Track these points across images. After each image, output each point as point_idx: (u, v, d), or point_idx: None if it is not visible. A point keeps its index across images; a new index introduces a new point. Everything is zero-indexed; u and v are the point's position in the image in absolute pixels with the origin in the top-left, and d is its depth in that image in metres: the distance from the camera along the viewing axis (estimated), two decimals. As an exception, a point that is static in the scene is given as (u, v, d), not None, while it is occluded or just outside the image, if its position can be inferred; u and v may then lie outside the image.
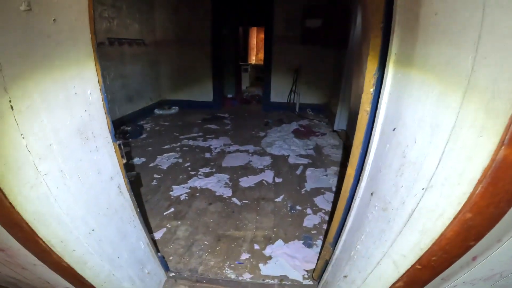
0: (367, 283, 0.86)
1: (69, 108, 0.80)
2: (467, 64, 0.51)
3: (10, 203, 0.66)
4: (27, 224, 0.71)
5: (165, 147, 3.51)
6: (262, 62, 7.30)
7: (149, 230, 1.94)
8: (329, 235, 1.40)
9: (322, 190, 2.58)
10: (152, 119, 4.83)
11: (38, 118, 0.70)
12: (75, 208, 0.85)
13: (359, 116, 1.00)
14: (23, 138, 0.67)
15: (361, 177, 0.97)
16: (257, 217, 2.16)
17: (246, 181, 2.70)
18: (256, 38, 11.03)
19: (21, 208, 0.69)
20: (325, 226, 2.07)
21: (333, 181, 2.76)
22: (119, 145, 1.05)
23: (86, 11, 0.82)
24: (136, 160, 3.11)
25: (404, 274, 0.68)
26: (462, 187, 0.54)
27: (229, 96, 6.87)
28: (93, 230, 0.93)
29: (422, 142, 0.65)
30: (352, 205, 1.08)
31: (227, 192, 2.49)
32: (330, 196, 2.50)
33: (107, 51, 3.92)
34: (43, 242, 0.76)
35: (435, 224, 0.59)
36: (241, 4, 6.29)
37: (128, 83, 4.48)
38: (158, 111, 5.21)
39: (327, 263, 1.40)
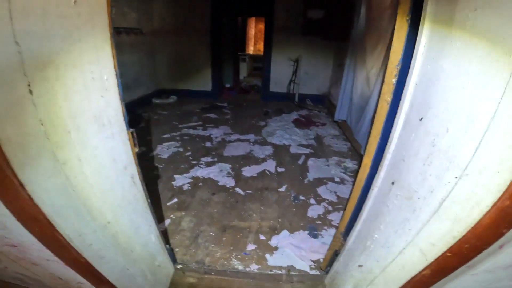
0: (388, 271, 0.87)
1: (87, 94, 0.76)
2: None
3: (29, 195, 0.63)
4: (45, 217, 0.68)
5: (165, 136, 3.46)
6: (260, 53, 7.19)
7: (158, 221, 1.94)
8: (341, 225, 1.40)
9: (325, 180, 2.59)
10: (150, 108, 4.73)
11: (57, 103, 0.66)
12: (93, 199, 0.82)
13: (379, 106, 0.99)
14: (42, 124, 0.63)
15: (379, 167, 0.96)
16: (262, 208, 2.16)
17: (249, 171, 2.69)
18: (254, 29, 10.90)
19: (39, 200, 0.66)
20: (329, 216, 2.09)
21: (335, 171, 2.77)
22: (132, 133, 1.01)
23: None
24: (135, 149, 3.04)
25: (432, 262, 0.68)
26: (503, 175, 0.53)
27: (227, 85, 6.78)
28: (109, 222, 0.90)
29: (456, 131, 0.63)
30: (368, 195, 1.07)
31: (230, 182, 2.48)
32: (332, 186, 2.51)
33: None
34: (62, 236, 0.73)
35: (471, 212, 0.59)
36: None
37: (126, 72, 4.37)
38: (156, 100, 5.10)
39: (336, 254, 1.41)
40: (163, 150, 3.04)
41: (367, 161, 1.06)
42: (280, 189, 2.42)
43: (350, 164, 2.93)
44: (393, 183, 0.89)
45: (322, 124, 4.11)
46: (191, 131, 3.63)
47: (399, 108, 0.85)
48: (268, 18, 5.05)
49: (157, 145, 3.16)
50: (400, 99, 0.85)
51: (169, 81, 5.57)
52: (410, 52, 0.82)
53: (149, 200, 1.20)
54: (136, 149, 1.05)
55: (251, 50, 10.86)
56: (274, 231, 1.91)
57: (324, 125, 4.08)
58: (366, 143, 1.05)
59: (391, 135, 0.90)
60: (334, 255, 1.44)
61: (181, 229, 1.89)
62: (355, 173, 2.70)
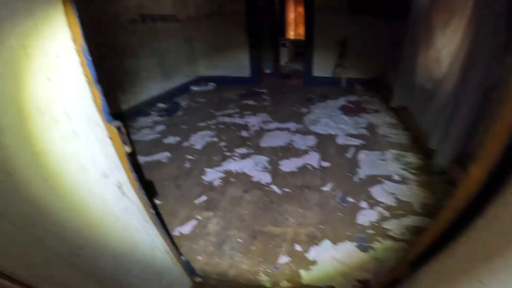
0: None
1: (14, 76, 0.47)
2: None
3: None
4: None
5: (200, 124, 3.25)
6: (301, 37, 6.65)
7: (177, 223, 1.72)
8: (410, 253, 0.98)
9: (380, 179, 2.10)
10: (189, 96, 4.61)
11: None
12: (48, 221, 0.55)
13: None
14: None
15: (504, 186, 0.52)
16: (300, 210, 1.80)
17: (288, 165, 2.32)
18: (294, 12, 10.30)
19: None
20: (385, 224, 1.65)
21: (394, 168, 2.24)
22: (118, 128, 0.71)
23: None
24: (170, 139, 2.89)
25: None
26: None
27: (267, 71, 6.39)
28: (80, 248, 0.63)
29: None
30: (473, 223, 0.64)
31: (266, 178, 2.15)
32: (390, 186, 2.01)
33: (140, 28, 3.68)
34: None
35: None
36: None
37: (164, 60, 4.26)
38: (194, 88, 4.98)
39: (396, 281, 1.00)
40: (197, 140, 2.83)
41: (479, 173, 0.61)
42: (323, 188, 2.01)
43: (412, 158, 2.37)
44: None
45: (375, 110, 3.50)
46: (227, 119, 3.36)
47: None
48: None
49: (191, 134, 2.96)
50: None
51: (208, 68, 5.39)
52: None
53: (151, 211, 0.91)
54: (126, 149, 0.75)
55: (291, 35, 10.37)
56: (313, 240, 1.56)
57: (378, 112, 3.46)
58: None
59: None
60: (392, 282, 1.03)
61: (207, 233, 1.64)
62: (420, 170, 2.17)
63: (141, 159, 2.52)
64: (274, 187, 2.04)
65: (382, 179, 2.10)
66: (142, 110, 3.65)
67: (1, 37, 0.48)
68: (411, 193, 1.93)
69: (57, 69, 0.59)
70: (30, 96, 0.53)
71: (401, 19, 3.35)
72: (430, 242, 0.87)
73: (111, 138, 0.72)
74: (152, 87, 4.00)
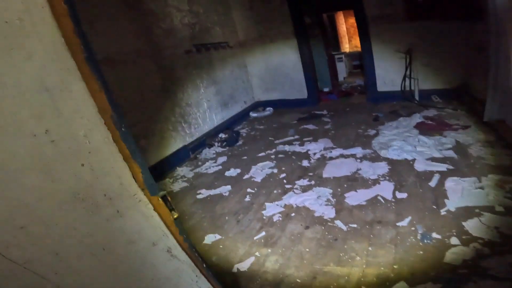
0: None
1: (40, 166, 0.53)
2: None
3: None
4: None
5: (260, 154, 3.29)
6: (357, 49, 6.39)
7: (236, 259, 1.72)
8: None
9: (477, 210, 1.74)
10: (248, 123, 4.78)
11: None
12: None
13: None
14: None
15: None
16: (369, 248, 1.61)
17: (354, 197, 2.11)
18: (345, 24, 10.10)
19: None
20: (483, 263, 1.36)
21: (495, 197, 1.84)
22: (163, 197, 0.74)
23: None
24: (231, 172, 2.99)
25: None
26: None
27: (325, 89, 6.23)
28: None
29: None
30: None
31: (329, 212, 2.00)
32: (491, 218, 1.66)
33: (196, 59, 4.02)
34: None
35: None
36: None
37: (221, 89, 4.56)
38: (253, 114, 5.16)
39: None
40: (257, 172, 2.85)
41: None
42: (399, 223, 1.77)
43: (521, 184, 1.90)
44: None
45: (462, 127, 2.98)
46: (287, 148, 3.32)
47: None
48: (357, 9, 4.31)
49: (251, 166, 3.01)
50: None
51: (264, 92, 5.55)
52: None
53: (203, 265, 0.91)
54: (175, 215, 0.77)
55: (346, 48, 10.12)
56: (386, 282, 1.36)
57: (467, 128, 2.94)
58: None
59: None
60: None
61: (264, 271, 1.60)
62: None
63: (205, 192, 2.66)
64: (339, 223, 1.88)
65: (480, 211, 1.74)
66: (205, 141, 3.92)
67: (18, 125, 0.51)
68: None
69: (88, 151, 0.62)
70: (64, 186, 0.57)
71: (480, 19, 2.94)
72: None
73: (156, 210, 0.75)
74: (213, 117, 4.29)
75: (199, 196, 2.61)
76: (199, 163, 3.43)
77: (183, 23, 3.86)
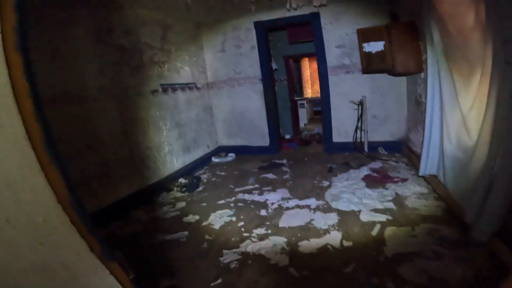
0: None
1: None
2: None
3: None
4: None
5: (220, 202, 3.48)
6: (318, 95, 7.04)
7: None
8: None
9: (411, 256, 2.09)
10: (210, 168, 4.97)
11: None
12: None
13: None
14: None
15: None
16: (320, 295, 1.82)
17: (307, 246, 2.38)
18: (309, 69, 10.97)
19: None
20: None
21: (425, 244, 2.22)
22: (119, 261, 0.91)
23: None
24: (190, 218, 3.11)
25: None
26: None
27: (287, 137, 6.78)
28: None
29: None
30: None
31: (284, 260, 2.22)
32: (422, 263, 2.00)
33: (162, 99, 4.18)
34: None
35: None
36: (289, 34, 6.33)
37: (185, 132, 4.70)
38: (215, 160, 5.36)
39: None
40: (216, 220, 3.02)
41: None
42: (345, 270, 2.04)
43: (447, 232, 2.34)
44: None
45: (402, 179, 3.54)
46: (247, 196, 3.56)
47: None
48: (320, 59, 4.94)
49: (210, 213, 3.17)
50: None
51: (227, 137, 5.82)
52: None
53: None
54: (131, 275, 0.95)
55: (309, 93, 10.86)
56: None
57: (405, 180, 3.50)
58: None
59: None
60: None
61: None
62: (456, 244, 2.14)
63: (161, 237, 2.73)
64: (292, 270, 2.09)
65: (413, 257, 2.08)
66: (164, 185, 3.99)
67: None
68: (446, 269, 1.90)
69: (47, 233, 0.73)
70: (24, 260, 0.69)
71: (420, 73, 3.51)
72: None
73: (112, 273, 0.89)
74: (174, 161, 4.41)
75: (154, 241, 2.67)
76: (156, 207, 3.48)
77: (152, 61, 4.03)
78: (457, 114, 2.57)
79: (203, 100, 5.39)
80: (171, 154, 4.37)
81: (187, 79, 4.87)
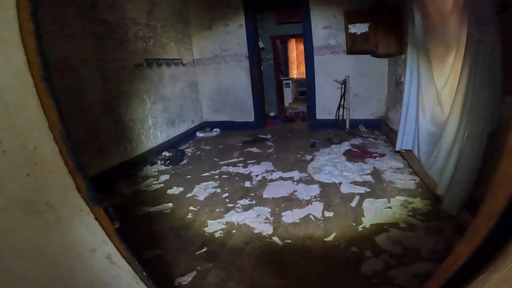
0: None
1: None
2: None
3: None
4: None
5: (204, 174, 3.43)
6: (304, 76, 7.12)
7: (177, 273, 1.81)
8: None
9: (386, 227, 2.16)
10: (194, 143, 4.88)
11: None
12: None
13: (500, 170, 0.62)
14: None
15: (492, 267, 0.62)
16: (302, 261, 1.86)
17: (290, 216, 2.40)
18: (296, 51, 10.99)
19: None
20: (391, 273, 1.69)
21: (400, 215, 2.30)
22: (105, 208, 0.87)
23: None
24: (174, 190, 3.05)
25: None
26: None
27: (272, 114, 6.75)
28: None
29: None
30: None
31: (267, 229, 2.23)
32: (397, 234, 2.06)
33: (146, 73, 4.05)
34: None
35: None
36: (277, 15, 6.23)
37: (169, 106, 4.60)
38: (199, 134, 5.28)
39: None
40: (200, 191, 2.97)
41: (464, 250, 0.71)
42: (326, 239, 2.08)
43: (420, 204, 2.43)
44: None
45: (380, 155, 3.62)
46: (231, 169, 3.53)
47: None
48: (306, 38, 4.91)
49: (195, 185, 3.12)
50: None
51: (212, 113, 5.75)
52: None
53: (143, 273, 1.04)
54: (116, 225, 0.90)
55: (294, 74, 10.95)
56: None
57: (383, 156, 3.59)
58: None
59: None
60: None
61: (206, 284, 1.72)
62: (428, 216, 2.23)
63: (144, 209, 2.67)
64: (276, 239, 2.11)
65: (388, 227, 2.15)
66: (147, 158, 3.88)
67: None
68: (418, 240, 1.98)
69: (35, 163, 0.71)
70: (8, 193, 0.65)
71: (401, 55, 3.56)
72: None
73: (97, 219, 0.85)
74: (158, 135, 4.28)
75: (138, 213, 2.61)
76: (139, 180, 3.39)
77: (138, 36, 3.88)
78: (432, 91, 2.64)
79: (189, 76, 5.26)
80: (155, 127, 4.23)
81: (172, 55, 4.73)
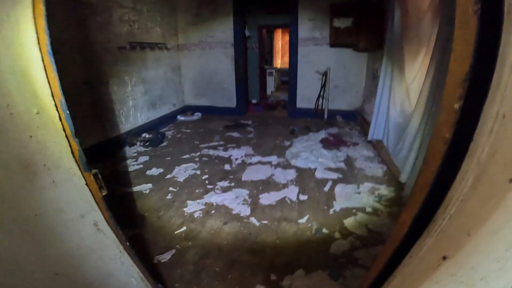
0: None
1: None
2: None
3: None
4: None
5: (184, 156, 3.37)
6: (287, 66, 7.14)
7: (156, 252, 1.79)
8: (363, 285, 1.11)
9: (354, 211, 2.25)
10: (175, 126, 4.76)
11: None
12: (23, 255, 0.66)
13: (430, 145, 0.69)
14: None
15: (425, 232, 0.68)
16: (277, 241, 1.91)
17: (267, 198, 2.44)
18: (281, 41, 10.95)
19: None
20: (356, 254, 1.78)
21: (367, 200, 2.41)
22: (94, 175, 0.85)
23: None
24: (154, 171, 2.98)
25: None
26: None
27: (254, 101, 6.71)
28: (56, 274, 0.74)
29: None
30: (403, 262, 0.78)
31: (245, 211, 2.26)
32: (363, 217, 2.17)
33: (129, 56, 3.89)
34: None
35: None
36: (264, 5, 6.13)
37: (151, 89, 4.46)
38: (180, 118, 5.16)
39: None
40: (180, 173, 2.93)
41: (406, 218, 0.77)
42: (300, 220, 2.14)
43: (385, 191, 2.55)
44: (444, 258, 0.60)
45: (354, 144, 3.74)
46: (211, 152, 3.50)
47: (469, 153, 0.57)
48: (292, 29, 4.91)
49: (175, 167, 3.07)
50: (472, 140, 0.56)
51: (194, 98, 5.64)
52: (487, 59, 0.52)
53: (126, 243, 1.02)
54: (104, 192, 0.88)
55: (278, 63, 10.91)
56: (288, 269, 1.65)
57: (357, 145, 3.70)
58: (411, 185, 0.77)
59: (450, 193, 0.61)
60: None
61: (185, 261, 1.72)
62: (391, 202, 2.34)
63: (123, 189, 2.59)
64: (253, 219, 2.15)
65: (356, 211, 2.25)
66: (127, 140, 3.75)
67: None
68: (382, 224, 2.09)
69: (37, 126, 0.73)
70: (12, 152, 0.66)
71: (380, 50, 3.63)
72: (376, 275, 1.00)
73: (87, 185, 0.85)
74: (138, 116, 4.14)
75: (116, 193, 2.54)
76: (118, 161, 3.28)
77: (122, 20, 3.70)
78: (403, 86, 2.75)
79: (172, 60, 5.10)
80: (135, 109, 4.07)
81: (157, 39, 4.56)
